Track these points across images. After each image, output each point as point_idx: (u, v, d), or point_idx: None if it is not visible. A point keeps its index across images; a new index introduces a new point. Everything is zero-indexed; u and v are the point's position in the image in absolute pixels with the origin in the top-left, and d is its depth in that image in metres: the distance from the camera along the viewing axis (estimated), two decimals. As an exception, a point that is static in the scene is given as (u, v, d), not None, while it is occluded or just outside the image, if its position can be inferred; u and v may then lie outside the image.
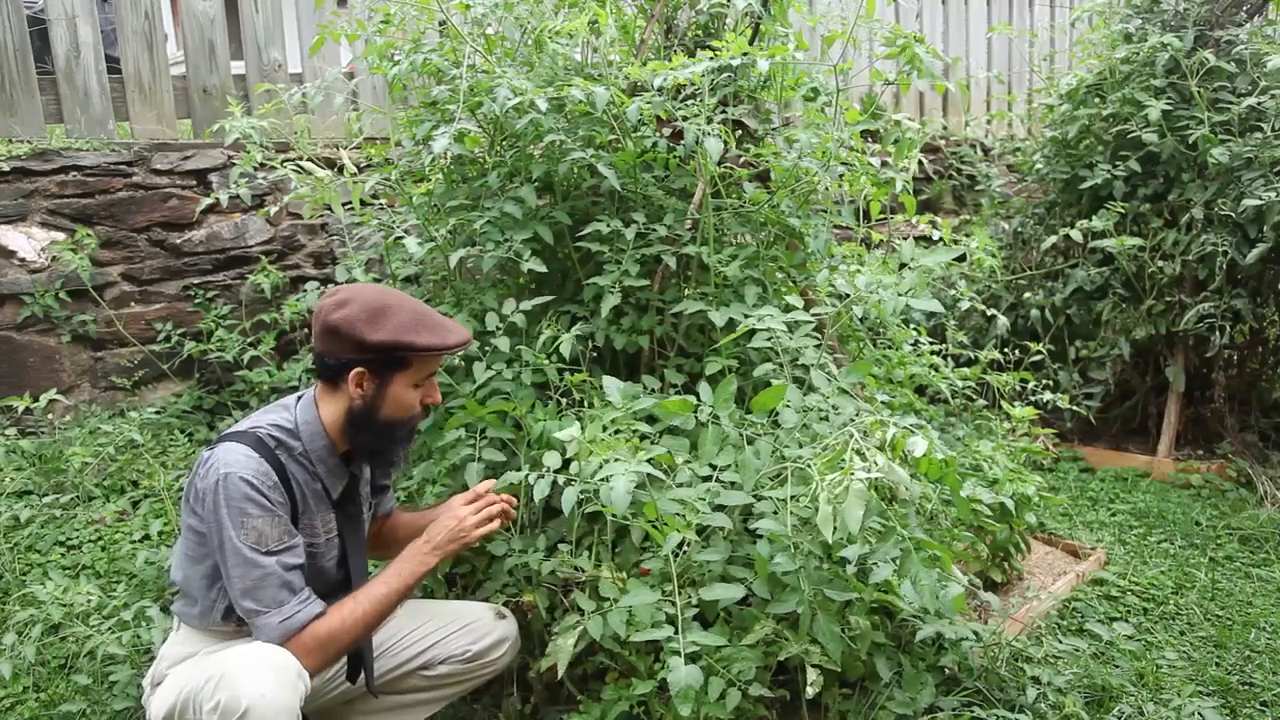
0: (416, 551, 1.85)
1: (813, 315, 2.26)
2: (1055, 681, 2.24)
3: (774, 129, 2.65)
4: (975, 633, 2.26)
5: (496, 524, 1.93)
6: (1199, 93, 3.78)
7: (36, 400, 2.92)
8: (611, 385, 2.06)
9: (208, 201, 3.02)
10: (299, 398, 1.90)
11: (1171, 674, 2.40)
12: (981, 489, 2.67)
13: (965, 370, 3.15)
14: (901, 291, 2.15)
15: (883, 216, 2.71)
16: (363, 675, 1.91)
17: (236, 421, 2.10)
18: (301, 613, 1.70)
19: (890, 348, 2.83)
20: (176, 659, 1.81)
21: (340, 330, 1.78)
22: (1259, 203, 3.47)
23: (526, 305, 2.28)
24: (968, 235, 2.74)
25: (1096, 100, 4.12)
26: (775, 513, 1.88)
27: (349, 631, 1.75)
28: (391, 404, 1.83)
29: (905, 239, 2.35)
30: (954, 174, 5.40)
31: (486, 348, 2.26)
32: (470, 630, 1.98)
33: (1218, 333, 3.69)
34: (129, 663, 2.29)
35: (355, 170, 2.55)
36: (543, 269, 2.27)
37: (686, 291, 2.40)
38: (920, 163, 5.03)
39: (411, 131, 2.51)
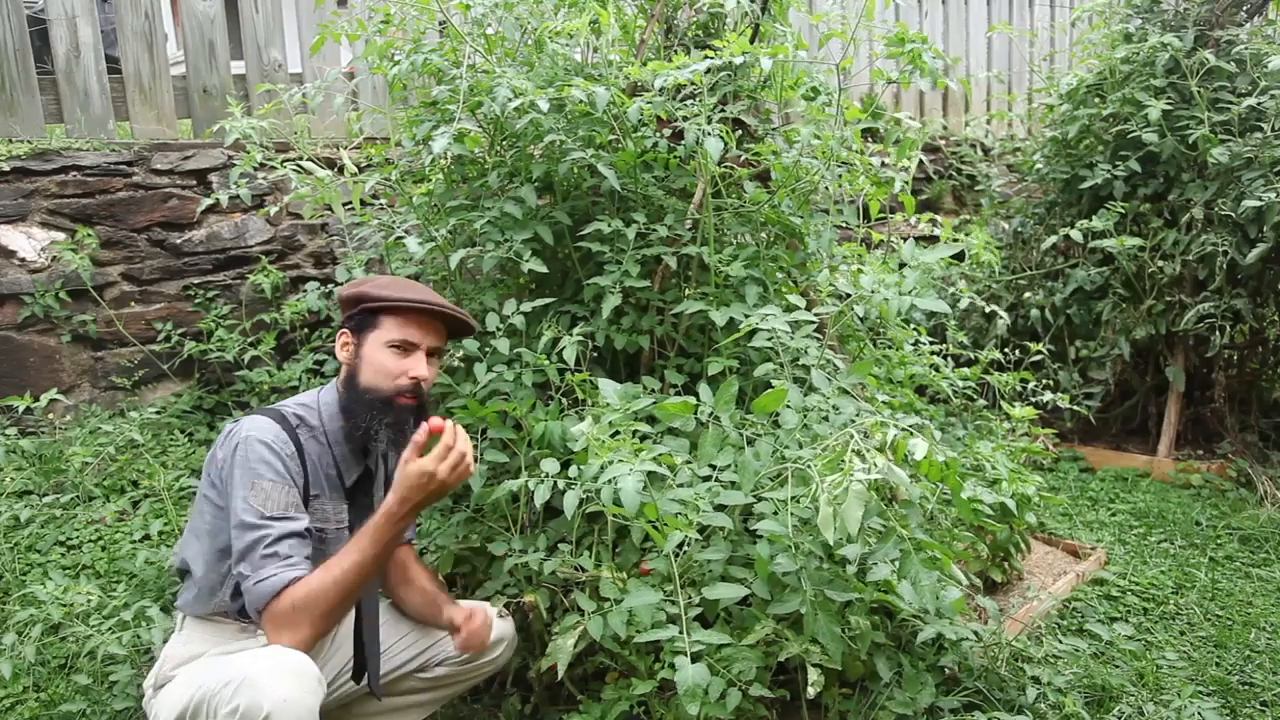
0: (388, 511, 1.73)
1: (814, 315, 2.26)
2: (1055, 681, 2.24)
3: (774, 129, 2.65)
4: (975, 633, 2.26)
5: (470, 466, 1.77)
6: (1199, 93, 3.78)
7: (36, 400, 2.91)
8: (608, 387, 2.06)
9: (208, 201, 3.01)
10: (325, 386, 1.99)
11: (1171, 674, 2.40)
12: (982, 489, 2.67)
13: (965, 370, 3.15)
14: (905, 291, 2.14)
15: (882, 216, 2.70)
16: (367, 676, 1.90)
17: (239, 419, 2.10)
18: (277, 577, 1.66)
19: (890, 348, 2.83)
20: (181, 659, 1.78)
21: (339, 297, 1.95)
22: (1259, 203, 3.47)
23: (527, 307, 2.28)
24: (967, 234, 2.74)
25: (1096, 100, 4.12)
26: (775, 513, 1.88)
27: (326, 595, 1.67)
28: (369, 367, 1.87)
29: (905, 239, 2.35)
30: (954, 174, 5.39)
31: (487, 349, 2.26)
32: None
33: (1218, 333, 3.69)
34: (129, 663, 2.29)
35: (355, 170, 2.55)
36: (543, 269, 2.27)
37: (687, 291, 2.40)
38: (921, 162, 5.04)
39: (411, 131, 2.51)
